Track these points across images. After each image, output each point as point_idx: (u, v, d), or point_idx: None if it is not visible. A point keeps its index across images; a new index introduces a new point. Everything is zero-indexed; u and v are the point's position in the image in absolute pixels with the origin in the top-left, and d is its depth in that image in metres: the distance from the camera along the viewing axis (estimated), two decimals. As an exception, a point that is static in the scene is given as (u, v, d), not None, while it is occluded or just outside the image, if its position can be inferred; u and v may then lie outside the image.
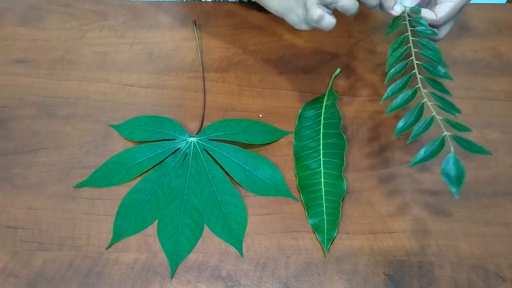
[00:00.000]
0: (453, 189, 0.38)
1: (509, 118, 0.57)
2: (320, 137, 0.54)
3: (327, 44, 0.65)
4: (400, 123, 0.44)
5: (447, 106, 0.45)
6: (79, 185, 0.52)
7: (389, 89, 0.47)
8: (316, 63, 0.63)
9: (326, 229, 0.48)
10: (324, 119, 0.55)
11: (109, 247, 0.47)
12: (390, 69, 0.48)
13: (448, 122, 0.42)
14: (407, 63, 0.47)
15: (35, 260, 0.47)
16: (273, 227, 0.49)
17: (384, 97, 0.46)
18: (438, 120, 0.42)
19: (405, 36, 0.49)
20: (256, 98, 0.60)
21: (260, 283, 0.45)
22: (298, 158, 0.53)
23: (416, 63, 0.47)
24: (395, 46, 0.49)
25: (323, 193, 0.50)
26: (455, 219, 0.49)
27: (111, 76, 0.62)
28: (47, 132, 0.57)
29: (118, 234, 0.48)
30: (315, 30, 0.49)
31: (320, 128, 0.55)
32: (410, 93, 0.45)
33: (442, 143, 0.40)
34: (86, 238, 0.48)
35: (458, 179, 0.39)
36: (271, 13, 0.54)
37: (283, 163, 0.53)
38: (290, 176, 0.52)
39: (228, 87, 0.61)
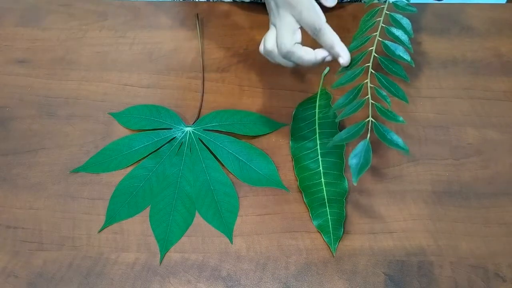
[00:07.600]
0: (353, 177, 0.37)
1: (509, 118, 0.57)
2: (316, 137, 0.53)
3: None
4: (340, 100, 0.41)
5: (393, 90, 0.42)
6: (76, 170, 0.53)
7: None
8: (316, 63, 0.63)
9: (332, 229, 0.47)
10: (319, 119, 0.55)
11: (101, 230, 0.48)
12: (353, 42, 0.44)
13: (379, 109, 0.39)
14: (368, 38, 0.44)
15: (35, 260, 0.47)
16: (273, 227, 0.49)
17: (338, 71, 0.44)
18: (370, 105, 0.39)
19: (380, 8, 0.45)
20: (256, 98, 0.59)
21: (260, 283, 0.45)
22: (297, 159, 0.53)
23: (378, 40, 0.43)
24: (367, 18, 0.46)
25: (324, 193, 0.50)
26: (455, 219, 0.49)
27: (111, 76, 0.62)
28: (47, 132, 0.57)
29: (111, 218, 0.49)
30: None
31: (315, 128, 0.54)
32: (358, 71, 0.42)
33: (363, 127, 0.38)
34: (86, 238, 0.48)
35: (361, 168, 0.37)
36: None
37: (283, 164, 0.53)
38: (290, 177, 0.52)
39: (228, 87, 0.61)
